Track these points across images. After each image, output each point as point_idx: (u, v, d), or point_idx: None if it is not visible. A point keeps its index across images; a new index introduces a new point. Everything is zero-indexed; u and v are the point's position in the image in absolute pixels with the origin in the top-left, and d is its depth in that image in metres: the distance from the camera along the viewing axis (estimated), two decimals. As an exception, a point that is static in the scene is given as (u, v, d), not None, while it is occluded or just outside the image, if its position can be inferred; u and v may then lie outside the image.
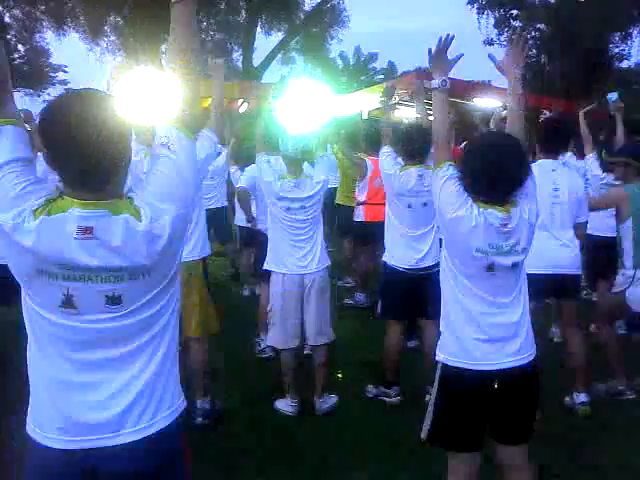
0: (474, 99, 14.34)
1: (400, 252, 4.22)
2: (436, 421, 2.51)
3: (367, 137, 6.66)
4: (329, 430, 3.93)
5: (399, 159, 4.32)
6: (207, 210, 4.40)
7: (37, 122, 1.59)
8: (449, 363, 2.45)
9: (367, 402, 4.33)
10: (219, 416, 4.03)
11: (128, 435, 1.62)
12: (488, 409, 2.44)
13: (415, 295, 4.11)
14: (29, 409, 1.67)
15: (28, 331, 1.64)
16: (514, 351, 2.42)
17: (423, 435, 2.53)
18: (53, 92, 33.82)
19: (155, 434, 1.65)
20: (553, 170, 4.08)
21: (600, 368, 4.32)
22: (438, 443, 2.56)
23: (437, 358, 2.51)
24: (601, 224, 5.07)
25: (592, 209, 4.34)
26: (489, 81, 24.35)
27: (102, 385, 1.62)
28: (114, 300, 1.59)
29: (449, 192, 2.42)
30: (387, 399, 4.30)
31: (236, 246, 7.51)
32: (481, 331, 2.41)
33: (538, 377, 2.50)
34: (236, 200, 6.66)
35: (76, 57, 30.38)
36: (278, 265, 4.12)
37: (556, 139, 4.19)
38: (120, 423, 1.62)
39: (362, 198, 6.54)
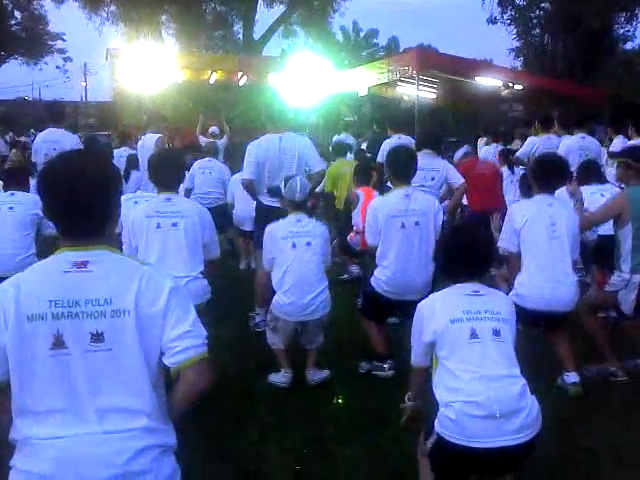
0: (476, 77, 14.27)
1: (389, 286, 4.27)
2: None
3: (356, 169, 6.69)
4: (322, 404, 3.96)
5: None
6: (210, 209, 4.42)
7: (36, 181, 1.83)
8: (445, 437, 2.41)
9: (360, 377, 4.36)
10: (212, 389, 4.04)
11: None
12: (481, 470, 2.51)
13: (397, 308, 4.33)
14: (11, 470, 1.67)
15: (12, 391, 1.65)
16: (516, 428, 2.36)
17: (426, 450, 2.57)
18: (51, 61, 33.53)
19: None
20: (549, 205, 4.09)
21: (592, 351, 4.35)
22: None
23: (435, 428, 2.45)
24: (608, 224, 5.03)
25: (596, 225, 4.42)
26: (491, 59, 24.26)
27: (94, 441, 1.61)
28: (97, 337, 1.63)
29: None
30: (381, 373, 4.33)
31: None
32: (480, 407, 2.35)
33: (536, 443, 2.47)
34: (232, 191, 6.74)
35: (75, 25, 29.95)
36: (281, 310, 4.18)
37: (552, 177, 4.19)
38: None
39: (359, 226, 6.54)
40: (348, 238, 6.51)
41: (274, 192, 4.46)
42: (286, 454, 3.39)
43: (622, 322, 4.35)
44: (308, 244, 4.16)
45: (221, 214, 6.57)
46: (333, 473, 3.23)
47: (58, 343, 1.61)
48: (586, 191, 4.42)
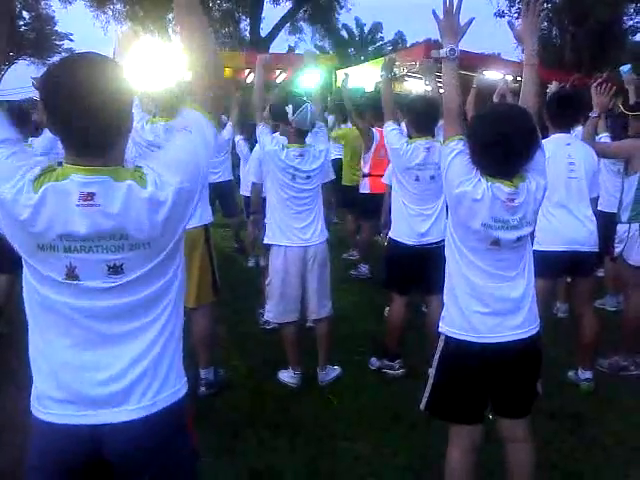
0: (484, 72, 14.20)
1: (405, 227, 4.20)
2: (436, 392, 2.52)
3: (373, 108, 6.60)
4: (331, 402, 3.96)
5: (405, 132, 4.28)
6: (213, 184, 4.38)
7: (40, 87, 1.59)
8: (452, 335, 2.45)
9: (370, 374, 4.35)
10: (222, 386, 4.06)
11: (131, 412, 1.61)
12: (489, 382, 2.45)
13: (419, 269, 4.10)
14: (33, 388, 1.67)
15: (27, 310, 1.64)
16: (517, 324, 2.41)
17: (422, 406, 2.55)
18: (59, 61, 33.69)
19: (158, 412, 1.64)
20: (568, 144, 4.01)
21: (603, 344, 4.32)
22: (438, 414, 2.58)
23: (440, 330, 2.51)
24: (609, 201, 5.02)
25: (600, 155, 4.26)
26: (499, 53, 24.13)
27: (105, 361, 1.61)
28: (116, 270, 1.58)
29: (457, 166, 2.36)
30: (390, 371, 4.32)
31: (242, 219, 7.50)
32: (484, 304, 2.40)
33: (540, 351, 2.50)
34: (240, 171, 6.61)
35: (82, 25, 30.03)
36: (279, 238, 4.10)
37: (568, 113, 4.12)
38: (123, 400, 1.61)
39: (366, 170, 6.53)
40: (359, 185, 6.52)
41: (279, 114, 4.27)
42: (297, 451, 3.39)
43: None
44: (308, 177, 4.05)
45: (228, 192, 6.53)
46: (344, 470, 3.23)
47: (71, 275, 1.57)
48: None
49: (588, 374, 4.05)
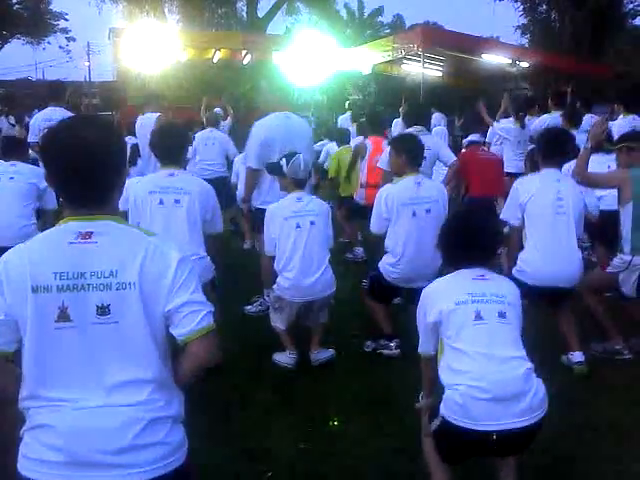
0: (482, 55, 14.12)
1: (397, 273, 4.26)
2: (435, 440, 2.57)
3: (367, 119, 6.79)
4: (327, 383, 3.97)
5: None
6: (207, 179, 4.38)
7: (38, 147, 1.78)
8: (450, 420, 2.40)
9: (365, 357, 4.37)
10: (218, 368, 4.05)
11: (131, 475, 1.59)
12: (485, 452, 2.51)
13: (403, 293, 4.31)
14: (22, 444, 1.65)
15: (23, 356, 1.65)
16: (523, 410, 2.35)
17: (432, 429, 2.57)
18: (54, 41, 33.28)
19: (161, 476, 1.64)
20: (557, 180, 4.06)
21: (597, 329, 4.34)
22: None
23: (440, 411, 2.45)
24: (613, 199, 4.98)
25: (590, 185, 4.32)
26: (498, 37, 23.99)
27: (101, 415, 1.60)
28: (103, 310, 1.62)
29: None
30: (386, 351, 4.33)
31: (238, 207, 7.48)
32: (484, 390, 2.34)
33: (541, 426, 2.46)
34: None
35: (77, 4, 29.72)
36: (284, 290, 4.15)
37: (558, 150, 4.16)
38: (123, 460, 1.59)
39: (363, 179, 6.55)
40: (355, 194, 6.57)
41: (274, 169, 4.38)
42: (290, 433, 3.41)
43: (625, 302, 4.33)
44: (312, 223, 4.11)
45: (223, 187, 6.52)
46: (337, 452, 3.24)
47: (63, 316, 1.60)
48: (593, 161, 4.35)
49: (579, 357, 4.06)
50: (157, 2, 24.37)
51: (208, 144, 7.45)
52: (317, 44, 13.95)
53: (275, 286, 4.21)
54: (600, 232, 5.07)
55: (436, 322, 2.52)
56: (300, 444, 3.30)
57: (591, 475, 3.03)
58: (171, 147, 3.93)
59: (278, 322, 4.25)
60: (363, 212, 6.45)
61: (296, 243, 4.07)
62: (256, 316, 5.08)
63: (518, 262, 4.04)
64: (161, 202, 3.76)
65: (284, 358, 4.19)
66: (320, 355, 4.22)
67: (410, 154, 4.32)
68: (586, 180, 4.18)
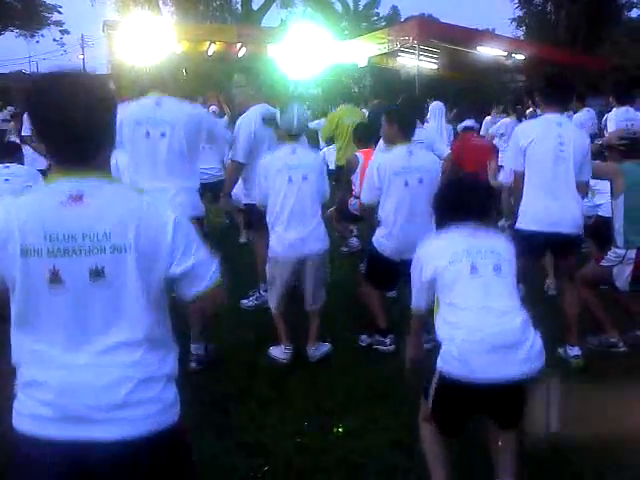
0: (478, 47, 14.09)
1: (391, 244, 4.21)
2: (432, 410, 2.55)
3: (356, 130, 6.66)
4: (322, 377, 3.96)
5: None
6: (203, 184, 4.37)
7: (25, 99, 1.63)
8: (447, 374, 2.41)
9: (360, 351, 4.37)
10: (213, 361, 4.06)
11: (122, 430, 1.58)
12: (483, 408, 2.49)
13: (402, 273, 4.09)
14: (15, 400, 1.64)
15: (12, 313, 1.62)
16: (522, 359, 2.37)
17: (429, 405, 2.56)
18: (48, 34, 33.09)
19: (152, 431, 1.62)
20: (559, 124, 3.96)
21: (593, 321, 4.35)
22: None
23: (437, 366, 2.46)
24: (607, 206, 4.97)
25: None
26: (493, 29, 23.95)
27: (94, 371, 1.59)
28: (97, 273, 1.58)
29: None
30: (382, 347, 4.33)
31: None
32: (483, 341, 2.35)
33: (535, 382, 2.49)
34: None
35: (71, -3, 29.53)
36: (278, 246, 4.10)
37: (560, 92, 4.09)
38: (115, 415, 1.59)
39: (357, 190, 6.51)
40: (349, 202, 6.52)
41: (270, 121, 4.28)
42: (286, 427, 3.40)
43: (621, 296, 4.34)
44: (304, 178, 4.04)
45: (216, 192, 6.49)
46: (333, 446, 3.24)
47: (55, 279, 1.56)
48: None
49: (576, 350, 4.07)
50: (151, -6, 24.23)
51: (206, 147, 7.38)
52: (312, 36, 13.91)
53: (269, 249, 4.16)
54: (594, 233, 5.07)
55: (432, 279, 2.53)
56: (296, 438, 3.30)
57: (586, 468, 3.03)
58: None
59: (273, 299, 4.19)
60: (355, 219, 6.50)
61: (287, 197, 4.02)
62: (252, 310, 5.07)
63: (519, 212, 4.01)
64: (147, 135, 3.75)
65: (279, 353, 4.18)
66: (318, 351, 4.22)
67: (402, 124, 4.27)
68: None
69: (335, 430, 3.37)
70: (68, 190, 1.57)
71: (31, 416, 1.59)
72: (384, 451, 3.17)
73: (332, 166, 7.66)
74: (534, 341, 2.42)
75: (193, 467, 1.81)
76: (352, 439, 3.29)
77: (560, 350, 4.16)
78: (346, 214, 6.60)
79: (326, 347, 4.28)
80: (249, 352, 4.30)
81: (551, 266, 5.40)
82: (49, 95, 1.57)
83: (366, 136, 6.33)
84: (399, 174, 4.13)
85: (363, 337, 4.45)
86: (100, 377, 1.58)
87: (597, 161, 4.44)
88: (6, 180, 4.70)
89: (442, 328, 2.48)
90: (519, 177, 4.05)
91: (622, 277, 4.09)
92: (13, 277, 1.57)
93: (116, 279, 1.59)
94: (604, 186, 4.61)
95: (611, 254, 4.15)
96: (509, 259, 2.55)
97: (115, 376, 1.59)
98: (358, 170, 6.37)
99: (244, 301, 5.20)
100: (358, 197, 6.44)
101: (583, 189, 4.09)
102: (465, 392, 2.40)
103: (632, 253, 4.03)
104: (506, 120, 8.13)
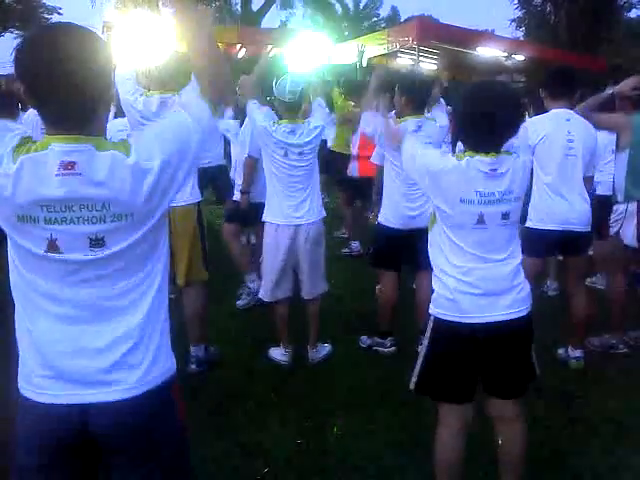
0: (477, 48, 14.08)
1: (395, 211, 4.17)
2: (426, 372, 2.51)
3: (344, 88, 6.68)
4: (322, 379, 3.97)
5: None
6: (203, 169, 4.34)
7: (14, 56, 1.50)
8: (441, 317, 2.44)
9: (360, 352, 4.37)
10: (213, 363, 4.06)
11: (119, 391, 1.59)
12: (479, 362, 2.45)
13: (408, 248, 4.05)
14: (20, 366, 1.64)
15: (12, 288, 1.61)
16: (507, 304, 2.40)
17: (411, 385, 2.55)
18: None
19: (146, 391, 1.62)
20: (567, 120, 3.92)
21: (593, 322, 4.35)
22: (427, 394, 2.58)
23: (430, 311, 2.50)
24: (605, 185, 4.97)
25: (596, 125, 4.13)
26: (492, 30, 23.96)
27: (92, 339, 1.59)
28: (97, 242, 1.55)
29: (426, 151, 2.53)
30: (382, 349, 4.33)
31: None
32: (474, 285, 2.38)
33: (531, 332, 2.50)
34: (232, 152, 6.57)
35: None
36: (273, 216, 4.07)
37: (565, 85, 4.05)
38: (111, 378, 1.59)
39: (355, 151, 6.51)
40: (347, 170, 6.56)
41: (267, 90, 4.21)
42: (286, 428, 3.41)
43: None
44: (300, 154, 4.00)
45: (219, 175, 6.48)
46: (333, 446, 3.24)
47: (52, 247, 1.53)
48: None
49: (578, 353, 4.08)
50: (151, -5, 24.23)
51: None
52: (311, 37, 13.91)
53: (264, 217, 4.12)
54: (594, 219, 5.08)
55: (437, 207, 2.43)
56: (296, 439, 3.30)
57: (585, 468, 3.04)
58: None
59: (267, 287, 4.13)
60: (360, 189, 6.49)
61: (281, 169, 3.99)
62: (249, 309, 5.07)
63: (529, 210, 3.98)
64: None
65: (279, 355, 4.18)
66: (319, 353, 4.22)
67: (409, 95, 4.13)
68: (590, 117, 4.07)
69: (335, 431, 3.38)
70: (60, 157, 1.49)
71: (30, 379, 1.61)
72: (383, 452, 3.18)
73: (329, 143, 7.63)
74: (523, 286, 2.46)
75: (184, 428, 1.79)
76: (352, 440, 3.29)
77: (560, 351, 4.16)
78: (350, 189, 6.76)
79: (327, 349, 4.28)
80: (249, 354, 4.31)
81: (553, 267, 5.41)
82: (40, 48, 1.47)
83: (356, 90, 6.30)
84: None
85: (363, 338, 4.45)
86: (97, 340, 1.59)
87: (609, 114, 4.33)
88: None
89: (436, 254, 2.48)
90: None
91: (629, 234, 4.07)
92: (8, 235, 1.55)
93: (116, 244, 1.58)
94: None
95: (613, 216, 4.15)
96: (521, 193, 2.42)
97: (113, 338, 1.59)
98: (359, 129, 6.34)
99: (238, 302, 5.21)
100: (355, 159, 6.52)
101: (588, 184, 4.08)
102: (459, 337, 2.41)
103: (632, 206, 4.02)
104: None
